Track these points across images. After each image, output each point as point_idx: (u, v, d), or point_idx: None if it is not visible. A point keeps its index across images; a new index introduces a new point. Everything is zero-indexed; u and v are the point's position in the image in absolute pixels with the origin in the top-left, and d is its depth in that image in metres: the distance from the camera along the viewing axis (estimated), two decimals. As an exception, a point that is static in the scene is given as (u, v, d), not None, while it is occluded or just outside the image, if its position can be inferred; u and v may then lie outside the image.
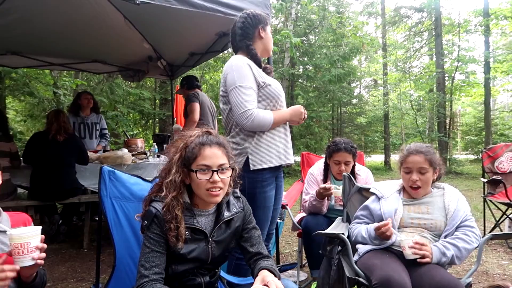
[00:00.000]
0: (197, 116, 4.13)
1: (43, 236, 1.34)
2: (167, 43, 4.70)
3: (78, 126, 4.95)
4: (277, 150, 2.21)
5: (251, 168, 2.11)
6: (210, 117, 4.46)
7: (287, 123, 2.33)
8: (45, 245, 1.33)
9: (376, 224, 2.04)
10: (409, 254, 1.90)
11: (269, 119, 2.13)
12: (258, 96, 2.17)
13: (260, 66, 2.27)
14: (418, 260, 1.90)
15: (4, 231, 1.40)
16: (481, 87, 14.72)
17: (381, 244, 2.05)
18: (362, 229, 2.17)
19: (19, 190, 4.13)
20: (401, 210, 2.11)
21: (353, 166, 2.94)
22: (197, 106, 4.17)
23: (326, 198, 2.84)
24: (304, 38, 13.38)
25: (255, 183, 2.12)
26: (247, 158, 2.12)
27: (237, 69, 2.12)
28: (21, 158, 4.02)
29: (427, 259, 1.89)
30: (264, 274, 1.46)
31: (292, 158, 2.32)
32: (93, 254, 3.75)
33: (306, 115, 2.34)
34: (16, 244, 1.26)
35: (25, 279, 1.35)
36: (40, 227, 1.34)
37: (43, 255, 1.32)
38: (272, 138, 2.20)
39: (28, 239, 1.28)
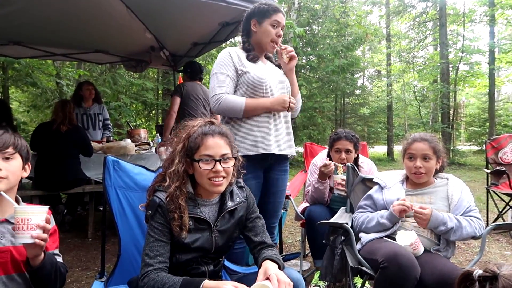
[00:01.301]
0: (175, 108, 4.26)
1: (48, 216, 1.31)
2: (169, 33, 4.67)
3: (81, 117, 4.94)
4: (254, 139, 2.18)
5: None
6: (200, 107, 4.40)
7: (276, 113, 2.27)
8: (48, 226, 1.29)
9: (397, 203, 2.01)
10: (419, 251, 1.91)
11: (238, 104, 2.15)
12: (238, 84, 2.22)
13: (252, 58, 2.28)
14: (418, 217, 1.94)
15: None
16: (485, 78, 14.62)
17: (387, 226, 2.05)
18: (369, 214, 2.17)
19: (24, 180, 4.13)
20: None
21: (357, 158, 2.94)
22: (177, 100, 4.26)
23: (329, 185, 2.85)
24: (307, 28, 13.26)
25: None
26: None
27: (218, 58, 2.25)
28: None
29: (426, 216, 1.92)
30: (267, 266, 1.45)
31: (277, 149, 2.24)
32: (98, 243, 3.78)
33: (292, 104, 2.26)
34: (17, 219, 1.24)
35: (31, 261, 1.33)
36: (46, 207, 1.32)
37: (45, 235, 1.28)
38: (250, 127, 2.19)
39: (29, 215, 1.25)
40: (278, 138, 2.27)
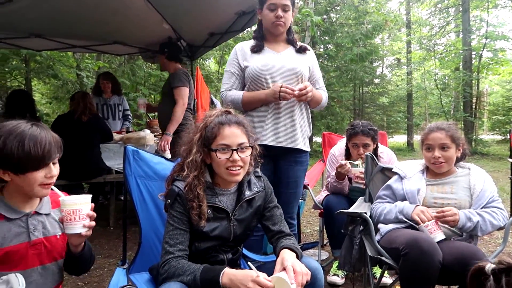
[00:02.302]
0: (186, 100, 3.71)
1: (93, 204, 1.35)
2: (186, 23, 4.67)
3: (101, 107, 5.03)
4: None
5: None
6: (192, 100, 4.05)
7: (274, 104, 2.24)
8: (94, 214, 1.34)
9: (418, 210, 1.96)
10: (436, 236, 1.88)
11: (236, 99, 2.27)
12: (246, 79, 2.32)
13: (255, 49, 2.32)
14: (448, 218, 1.87)
15: (47, 214, 1.42)
16: (510, 65, 14.17)
17: (404, 221, 2.02)
18: (387, 205, 2.15)
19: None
20: (424, 189, 2.08)
21: (376, 148, 2.89)
22: (187, 91, 3.74)
23: (347, 177, 2.82)
24: (325, 16, 13.07)
25: None
26: None
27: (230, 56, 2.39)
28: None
29: (454, 217, 1.86)
30: (284, 256, 1.44)
31: (273, 141, 2.23)
32: (119, 232, 3.86)
33: (286, 94, 2.14)
34: (68, 211, 1.28)
35: (74, 248, 1.37)
36: (90, 195, 1.35)
37: (93, 223, 1.33)
38: (250, 119, 2.23)
39: (80, 206, 1.29)
40: (277, 131, 2.26)
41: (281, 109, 2.27)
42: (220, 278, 1.32)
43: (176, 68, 3.86)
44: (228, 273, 1.33)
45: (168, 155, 3.61)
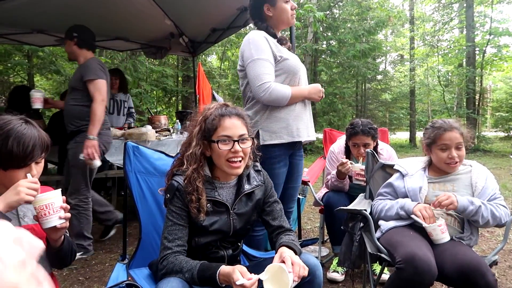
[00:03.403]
0: (105, 96, 3.17)
1: (64, 197, 1.38)
2: (188, 19, 4.67)
3: (108, 102, 5.01)
4: (289, 127, 2.18)
5: (261, 143, 2.10)
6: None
7: (306, 101, 2.30)
8: (68, 206, 1.36)
9: (421, 206, 1.97)
10: (437, 239, 1.87)
11: (287, 93, 2.11)
12: (275, 70, 2.15)
13: (280, 42, 2.25)
14: (443, 203, 1.87)
15: None
16: (514, 61, 14.07)
17: (406, 218, 2.02)
18: (388, 201, 2.14)
19: (49, 166, 4.27)
20: (426, 187, 2.07)
21: (376, 145, 2.88)
22: (105, 84, 3.17)
23: (347, 176, 2.81)
24: (328, 12, 13.00)
25: (264, 159, 2.02)
26: (258, 132, 2.12)
27: (254, 42, 2.12)
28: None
29: (450, 199, 1.86)
30: (282, 250, 1.46)
31: (307, 136, 2.28)
32: (120, 227, 3.87)
33: (323, 94, 2.32)
34: (41, 206, 1.30)
35: (53, 242, 1.39)
36: (60, 190, 1.37)
37: (68, 215, 1.35)
38: (285, 115, 2.18)
39: (52, 200, 1.31)
40: (307, 126, 2.30)
41: (308, 106, 2.33)
42: (217, 279, 1.33)
43: (88, 58, 3.24)
44: (223, 274, 1.33)
45: (98, 163, 3.10)
